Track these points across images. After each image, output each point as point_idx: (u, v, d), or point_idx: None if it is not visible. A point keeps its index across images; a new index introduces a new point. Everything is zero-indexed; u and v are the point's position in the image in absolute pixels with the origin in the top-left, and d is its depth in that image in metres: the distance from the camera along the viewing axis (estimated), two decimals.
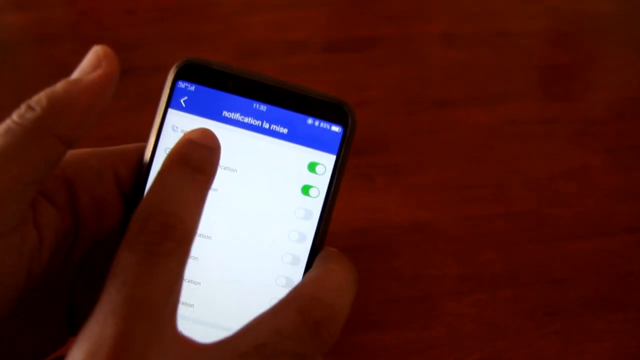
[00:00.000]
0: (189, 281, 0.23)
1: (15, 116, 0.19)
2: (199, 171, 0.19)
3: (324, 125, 0.24)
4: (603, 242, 0.49)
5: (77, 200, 0.22)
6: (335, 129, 0.24)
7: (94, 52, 0.21)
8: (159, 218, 0.18)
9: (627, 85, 0.60)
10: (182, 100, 0.23)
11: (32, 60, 0.59)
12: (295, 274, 0.23)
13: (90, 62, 0.21)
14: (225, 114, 0.23)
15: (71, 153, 0.22)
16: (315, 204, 0.23)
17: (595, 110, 0.58)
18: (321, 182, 0.23)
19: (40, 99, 0.19)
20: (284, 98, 0.23)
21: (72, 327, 0.24)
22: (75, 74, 0.21)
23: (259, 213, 0.23)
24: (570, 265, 0.47)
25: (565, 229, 0.49)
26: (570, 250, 0.48)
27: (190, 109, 0.23)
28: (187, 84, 0.23)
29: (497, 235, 0.49)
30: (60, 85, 0.20)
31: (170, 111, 0.23)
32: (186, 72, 0.23)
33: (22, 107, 0.19)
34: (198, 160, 0.20)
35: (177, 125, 0.23)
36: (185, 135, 0.20)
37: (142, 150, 0.23)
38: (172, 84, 0.23)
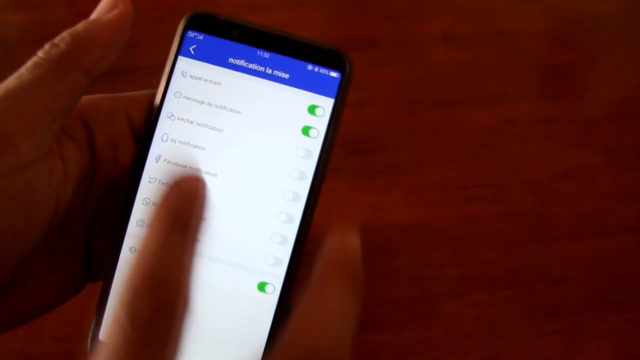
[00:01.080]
0: None
1: (41, 53, 0.21)
2: (191, 229, 0.18)
3: (323, 70, 0.25)
4: (603, 242, 0.49)
5: (94, 139, 0.23)
6: (334, 74, 0.25)
7: None
8: (156, 297, 0.16)
9: (627, 85, 0.60)
10: (191, 48, 0.25)
11: None
12: (295, 210, 0.25)
13: (107, 4, 0.23)
14: (231, 60, 0.25)
15: (85, 97, 0.24)
16: (315, 144, 0.25)
17: (595, 110, 0.58)
18: (320, 124, 0.25)
19: (63, 37, 0.21)
20: (285, 46, 0.25)
21: (90, 272, 0.24)
22: (94, 15, 0.22)
23: (262, 152, 0.25)
24: (570, 265, 0.47)
25: (565, 229, 0.49)
26: (570, 250, 0.48)
27: (198, 56, 0.25)
28: (195, 33, 0.25)
29: (497, 235, 0.49)
30: (81, 25, 0.22)
31: (180, 58, 0.25)
32: (195, 23, 0.25)
33: (47, 46, 0.21)
34: (189, 218, 0.18)
35: (186, 71, 0.25)
36: (173, 187, 0.19)
37: (153, 95, 0.25)
38: (182, 33, 0.25)
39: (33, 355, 0.41)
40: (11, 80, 0.20)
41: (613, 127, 0.57)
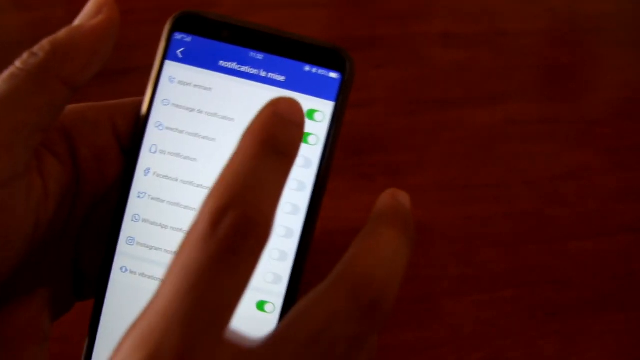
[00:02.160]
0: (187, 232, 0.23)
1: (18, 63, 0.19)
2: (285, 155, 0.17)
3: (322, 72, 0.23)
4: (603, 242, 0.49)
5: (77, 152, 0.22)
6: (333, 75, 0.23)
7: (94, 1, 0.21)
8: (242, 210, 0.15)
9: (627, 85, 0.60)
10: (178, 52, 0.23)
11: None
12: (295, 223, 0.23)
13: (91, 9, 0.21)
14: (222, 63, 0.23)
15: (68, 107, 0.22)
16: (314, 151, 0.23)
17: (595, 110, 0.58)
18: (320, 129, 0.23)
19: (42, 45, 0.20)
20: (280, 46, 0.23)
21: (78, 291, 0.23)
22: (77, 21, 0.21)
23: None
24: (570, 265, 0.47)
25: (565, 229, 0.49)
26: (570, 250, 0.48)
27: (187, 59, 0.23)
28: (183, 35, 0.23)
29: (497, 235, 0.49)
30: (62, 32, 0.20)
31: (167, 63, 0.23)
32: (182, 23, 0.23)
33: (25, 55, 0.19)
34: (285, 143, 0.17)
35: (174, 77, 0.23)
36: (270, 106, 0.18)
37: (139, 104, 0.23)
38: (168, 35, 0.23)
39: None
40: None
41: (613, 127, 0.56)
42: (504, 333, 0.44)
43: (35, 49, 0.19)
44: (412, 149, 0.53)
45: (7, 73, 0.19)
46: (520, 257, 0.48)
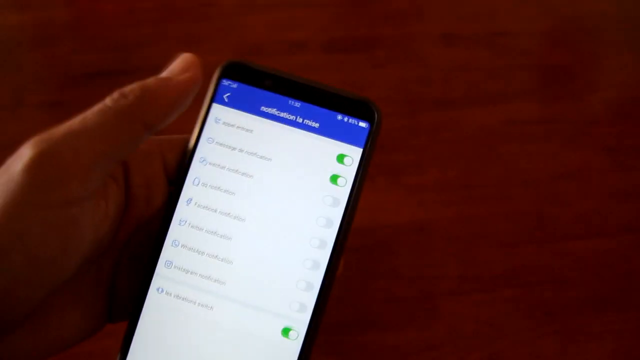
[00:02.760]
0: (222, 259, 0.25)
1: (108, 100, 0.22)
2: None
3: (352, 121, 0.26)
4: (603, 242, 0.49)
5: (130, 179, 0.24)
6: (363, 124, 0.27)
7: (184, 58, 0.24)
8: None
9: (627, 85, 0.61)
10: (224, 96, 0.26)
11: (32, 61, 0.59)
12: (322, 257, 0.25)
13: (180, 66, 0.24)
14: (263, 109, 0.26)
15: None
16: (343, 192, 0.26)
17: (595, 110, 0.58)
18: (348, 173, 0.26)
19: (133, 88, 0.22)
20: (316, 96, 0.26)
21: (111, 313, 0.25)
22: (166, 73, 0.24)
23: (290, 199, 0.25)
24: (570, 265, 0.47)
25: (565, 229, 0.49)
26: (570, 250, 0.48)
27: (232, 103, 0.26)
28: (230, 82, 0.26)
29: (497, 235, 0.49)
30: (152, 80, 0.23)
31: (214, 105, 0.26)
32: (230, 71, 0.26)
33: (116, 94, 0.22)
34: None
35: (219, 118, 0.26)
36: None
37: (187, 140, 0.26)
38: (217, 81, 0.26)
39: None
40: (75, 122, 0.21)
41: (613, 127, 0.57)
42: (504, 333, 0.44)
43: (127, 91, 0.22)
44: (412, 149, 0.53)
45: (97, 108, 0.22)
46: (520, 257, 0.48)
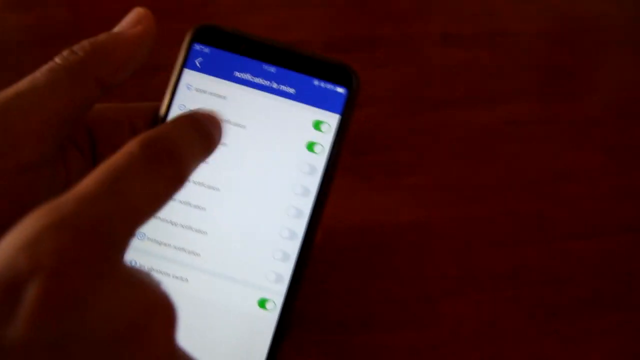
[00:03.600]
0: (196, 230, 0.24)
1: (57, 58, 0.21)
2: (207, 138, 0.20)
3: (329, 86, 0.25)
4: (603, 242, 0.49)
5: (97, 148, 0.23)
6: (340, 90, 0.25)
7: (135, 11, 0.23)
8: (172, 146, 0.17)
9: (627, 85, 0.60)
10: (196, 61, 0.25)
11: (32, 61, 0.59)
12: (298, 227, 0.25)
13: (131, 20, 0.23)
14: (237, 74, 0.25)
15: None
16: (320, 160, 0.25)
17: (595, 110, 0.58)
18: (325, 140, 0.25)
19: (83, 45, 0.21)
20: (291, 60, 0.25)
21: None
22: (117, 28, 0.23)
23: (266, 167, 0.25)
24: (570, 265, 0.47)
25: (565, 229, 0.49)
26: (570, 250, 0.48)
27: (204, 69, 0.25)
28: (202, 47, 0.25)
29: (497, 235, 0.49)
30: (102, 35, 0.22)
31: (186, 71, 0.25)
32: (202, 35, 0.25)
33: (65, 52, 0.21)
34: (210, 133, 0.20)
35: (191, 84, 0.25)
36: (200, 111, 0.20)
37: (158, 107, 0.25)
38: (188, 45, 0.25)
39: None
40: (23, 82, 0.20)
41: (613, 127, 0.56)
42: (504, 333, 0.44)
43: (76, 47, 0.21)
44: (412, 149, 0.53)
45: (46, 67, 0.20)
46: (520, 257, 0.48)
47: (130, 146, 0.17)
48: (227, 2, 0.64)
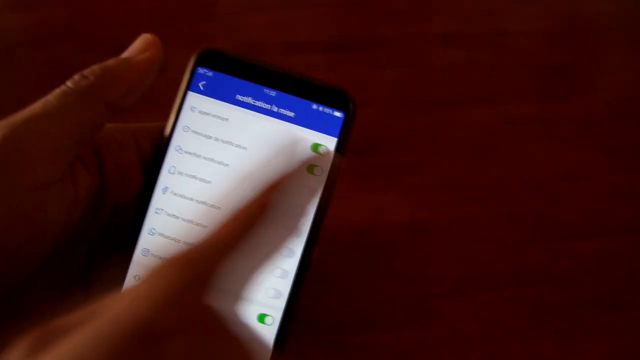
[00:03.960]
0: None
1: (69, 82, 0.22)
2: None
3: (327, 110, 0.26)
4: (603, 242, 0.49)
5: (104, 167, 0.24)
6: (337, 114, 0.26)
7: (143, 38, 0.24)
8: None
9: (627, 85, 0.60)
10: (200, 84, 0.26)
11: (32, 60, 0.59)
12: (296, 246, 0.25)
13: (139, 46, 0.24)
14: (239, 97, 0.26)
15: None
16: (318, 181, 0.26)
17: (595, 110, 0.58)
18: (324, 162, 0.26)
19: (93, 69, 0.22)
20: (291, 85, 0.26)
21: (88, 300, 0.25)
22: (126, 53, 0.23)
23: None
24: (570, 265, 0.47)
25: (565, 229, 0.49)
26: (570, 250, 0.48)
27: (207, 92, 0.26)
28: (205, 70, 0.26)
29: (497, 235, 0.49)
30: (112, 61, 0.23)
31: (190, 94, 0.26)
32: (205, 59, 0.26)
33: (76, 76, 0.22)
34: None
35: (195, 106, 0.26)
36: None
37: (162, 128, 0.26)
38: (192, 69, 0.26)
39: None
40: (37, 105, 0.21)
41: (613, 127, 0.57)
42: (504, 333, 0.44)
43: (87, 72, 0.22)
44: (412, 149, 0.53)
45: (58, 90, 0.21)
46: (520, 257, 0.48)
47: None
48: (228, 2, 0.64)
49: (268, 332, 0.25)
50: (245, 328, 0.18)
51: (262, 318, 0.25)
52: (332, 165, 0.26)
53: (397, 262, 0.47)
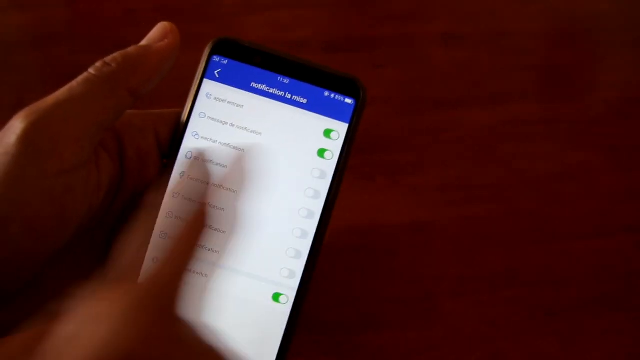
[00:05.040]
0: (215, 230, 0.26)
1: (92, 69, 0.23)
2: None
3: (339, 97, 0.27)
4: (603, 242, 0.49)
5: (124, 152, 0.25)
6: (349, 101, 0.27)
7: (162, 26, 0.25)
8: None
9: (627, 85, 0.61)
10: (215, 72, 0.27)
11: (32, 60, 0.59)
12: (310, 227, 0.26)
13: (158, 33, 0.25)
14: (253, 85, 0.27)
15: None
16: (329, 165, 0.27)
17: (595, 110, 0.58)
18: (335, 147, 0.27)
19: (115, 57, 0.23)
20: (304, 73, 0.27)
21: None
22: (145, 41, 0.24)
23: (280, 171, 0.26)
24: (570, 265, 0.47)
25: (565, 229, 0.49)
26: (570, 250, 0.48)
27: (222, 79, 0.27)
28: (220, 58, 0.27)
29: (497, 235, 0.49)
30: (133, 48, 0.24)
31: (205, 81, 0.27)
32: (220, 48, 0.27)
33: (98, 63, 0.23)
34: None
35: (210, 93, 0.27)
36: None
37: (179, 114, 0.26)
38: (207, 57, 0.27)
39: None
40: (62, 92, 0.22)
41: (613, 127, 0.57)
42: (504, 333, 0.44)
43: (109, 59, 0.23)
44: (412, 149, 0.53)
45: (82, 77, 0.22)
46: (520, 257, 0.48)
47: None
48: (228, 2, 0.64)
49: (283, 311, 0.26)
50: (216, 335, 0.20)
51: (276, 297, 0.26)
52: (343, 150, 0.27)
53: (397, 262, 0.47)
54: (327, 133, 0.27)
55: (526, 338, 0.44)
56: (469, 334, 0.44)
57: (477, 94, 0.58)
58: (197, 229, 0.22)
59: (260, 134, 0.26)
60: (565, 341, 0.44)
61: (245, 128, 0.26)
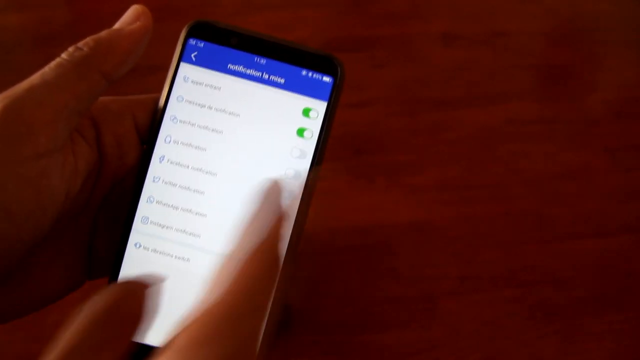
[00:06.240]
0: (196, 213, 0.26)
1: (65, 54, 0.22)
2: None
3: (316, 75, 0.27)
4: (603, 242, 0.49)
5: (102, 138, 0.25)
6: (326, 79, 0.27)
7: (134, 9, 0.25)
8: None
9: (627, 85, 0.61)
10: (192, 55, 0.27)
11: (32, 61, 0.59)
12: (291, 208, 0.26)
13: (130, 16, 0.25)
14: (230, 66, 0.26)
15: None
16: (309, 144, 0.26)
17: (595, 110, 0.58)
18: (314, 125, 0.26)
19: (87, 41, 0.23)
20: (281, 52, 0.26)
21: (90, 270, 0.26)
22: (117, 25, 0.24)
23: (259, 152, 0.26)
24: (570, 265, 0.47)
25: (565, 229, 0.49)
26: (570, 250, 0.48)
27: (199, 62, 0.26)
28: (196, 41, 0.27)
29: (497, 235, 0.49)
30: (104, 32, 0.23)
31: (182, 64, 0.26)
32: (196, 31, 0.27)
33: (71, 48, 0.23)
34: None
35: (188, 76, 0.26)
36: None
37: (157, 99, 0.26)
38: (184, 40, 0.26)
39: (34, 356, 0.41)
40: (35, 77, 0.22)
41: (613, 127, 0.57)
42: (504, 333, 0.44)
43: (81, 44, 0.23)
44: (412, 149, 0.53)
45: (54, 62, 0.22)
46: (520, 257, 0.48)
47: None
48: (228, 2, 0.64)
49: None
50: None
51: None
52: (322, 128, 0.26)
53: (397, 262, 0.47)
54: (306, 112, 0.27)
55: (526, 338, 0.44)
56: (469, 334, 0.44)
57: (477, 94, 0.58)
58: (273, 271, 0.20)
59: (238, 115, 0.26)
60: (565, 341, 0.44)
61: (224, 110, 0.26)
